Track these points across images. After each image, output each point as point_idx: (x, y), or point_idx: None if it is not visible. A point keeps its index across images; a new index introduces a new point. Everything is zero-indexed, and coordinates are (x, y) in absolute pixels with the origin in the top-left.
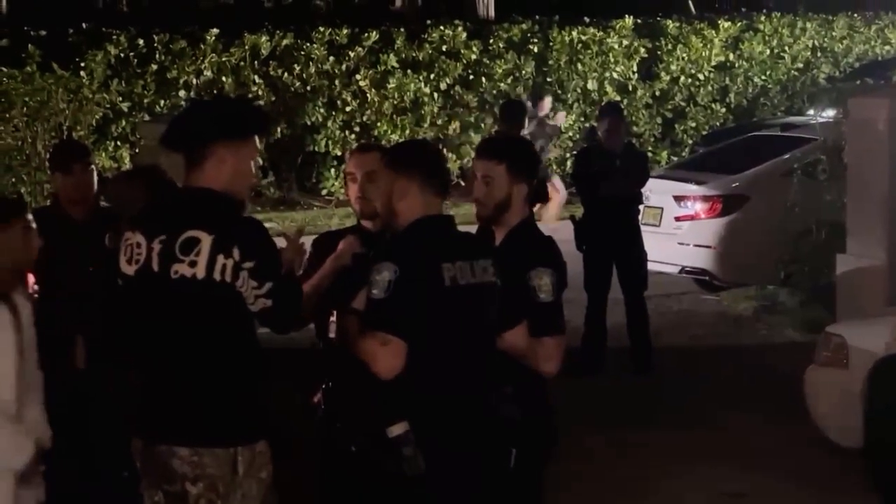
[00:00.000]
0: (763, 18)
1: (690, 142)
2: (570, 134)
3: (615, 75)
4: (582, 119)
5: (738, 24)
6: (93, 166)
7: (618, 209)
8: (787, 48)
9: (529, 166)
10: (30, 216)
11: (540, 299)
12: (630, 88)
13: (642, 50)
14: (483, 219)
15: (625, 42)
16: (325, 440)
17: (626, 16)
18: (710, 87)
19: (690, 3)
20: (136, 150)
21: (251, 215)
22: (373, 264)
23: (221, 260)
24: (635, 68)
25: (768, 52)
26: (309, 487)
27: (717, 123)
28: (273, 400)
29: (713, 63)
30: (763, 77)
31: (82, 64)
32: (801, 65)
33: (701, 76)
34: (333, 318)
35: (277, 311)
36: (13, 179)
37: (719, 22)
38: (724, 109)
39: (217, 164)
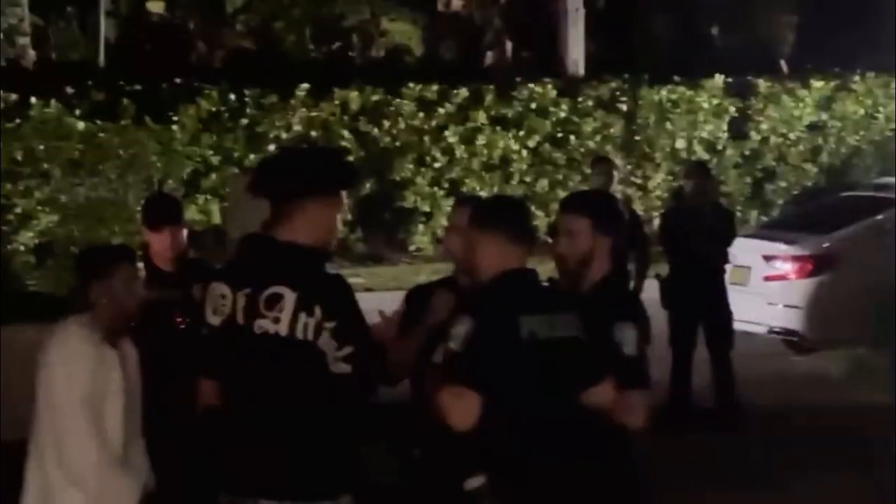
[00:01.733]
0: (857, 78)
1: (780, 202)
2: (658, 193)
3: (704, 134)
4: (670, 178)
5: (831, 83)
6: (183, 223)
7: (703, 267)
8: (881, 108)
9: (613, 220)
10: (138, 265)
11: (624, 353)
12: (719, 147)
13: (732, 109)
14: (566, 273)
15: (714, 101)
16: (420, 495)
17: (717, 74)
18: (801, 147)
19: (783, 61)
20: (226, 204)
21: (338, 272)
22: (453, 318)
23: (304, 318)
24: (725, 127)
25: (862, 111)
26: None
27: (809, 184)
28: (373, 453)
29: (805, 123)
30: (856, 137)
31: (175, 118)
32: (894, 125)
33: (792, 136)
34: None
35: (356, 378)
36: (105, 232)
37: (811, 81)
38: (815, 170)
39: (306, 218)
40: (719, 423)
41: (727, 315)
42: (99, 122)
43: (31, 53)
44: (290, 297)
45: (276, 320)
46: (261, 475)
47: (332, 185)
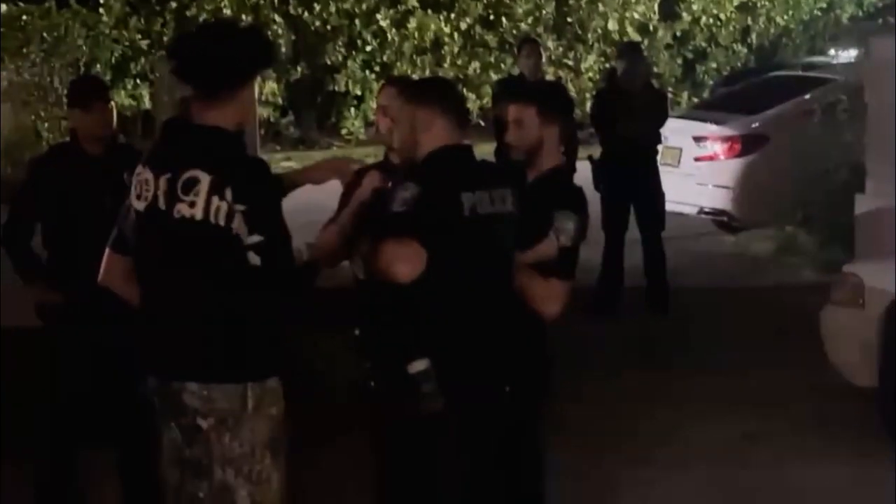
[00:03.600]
0: None
1: (711, 83)
2: (591, 75)
3: (636, 15)
4: (602, 59)
5: None
6: (111, 103)
7: (636, 150)
8: None
9: (562, 108)
10: None
11: (559, 242)
12: (651, 29)
13: None
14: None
15: None
16: (356, 380)
17: None
18: (731, 28)
19: None
20: (155, 88)
21: (268, 156)
22: (396, 186)
23: (216, 201)
24: (656, 8)
25: None
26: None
27: (739, 64)
28: (317, 340)
29: (735, 3)
30: (785, 17)
31: (101, 0)
32: (823, 4)
33: (723, 16)
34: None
35: (265, 271)
36: (31, 115)
37: None
38: (745, 50)
39: (231, 103)
40: (650, 303)
41: (659, 196)
42: (21, 4)
43: None
44: (205, 180)
45: (192, 204)
46: (185, 358)
47: (257, 68)
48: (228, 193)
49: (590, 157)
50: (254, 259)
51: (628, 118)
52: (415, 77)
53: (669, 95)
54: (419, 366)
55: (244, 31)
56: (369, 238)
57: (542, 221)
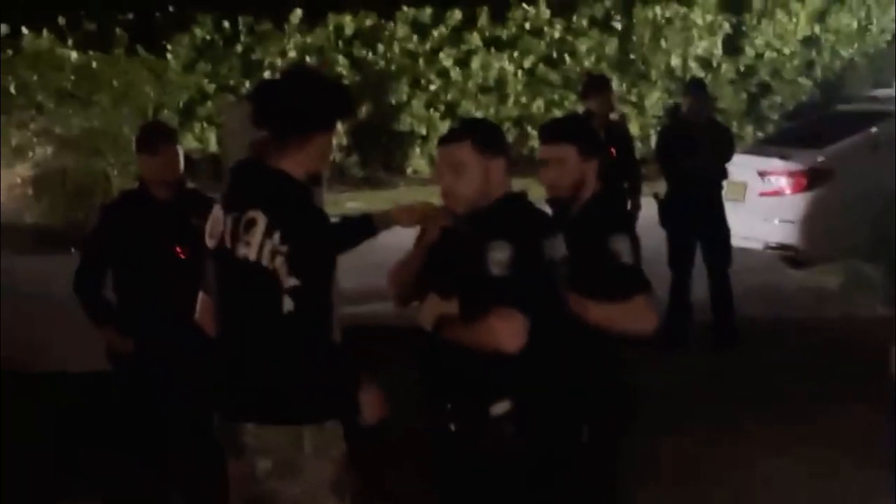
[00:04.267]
0: None
1: (776, 117)
2: (654, 111)
3: (699, 51)
4: (666, 96)
5: None
6: (179, 147)
7: (701, 186)
8: (874, 19)
9: (596, 141)
10: None
11: (623, 262)
12: (714, 64)
13: (726, 25)
14: (557, 200)
15: (708, 17)
16: (429, 422)
17: None
18: (795, 62)
19: None
20: (221, 132)
21: (334, 195)
22: (483, 243)
23: (268, 243)
24: (719, 44)
25: (855, 24)
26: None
27: (804, 98)
28: (380, 381)
29: (799, 37)
30: (850, 50)
31: (168, 46)
32: (888, 37)
33: (787, 50)
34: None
35: (299, 319)
36: (101, 163)
37: None
38: (810, 84)
39: (305, 149)
40: (716, 340)
41: (725, 232)
42: (91, 52)
43: None
44: (261, 221)
45: (248, 244)
46: (244, 397)
47: (334, 117)
48: (277, 235)
49: (655, 195)
50: (288, 304)
51: (693, 154)
52: (477, 118)
53: (734, 130)
54: (502, 407)
55: (326, 81)
56: (462, 304)
57: (598, 247)
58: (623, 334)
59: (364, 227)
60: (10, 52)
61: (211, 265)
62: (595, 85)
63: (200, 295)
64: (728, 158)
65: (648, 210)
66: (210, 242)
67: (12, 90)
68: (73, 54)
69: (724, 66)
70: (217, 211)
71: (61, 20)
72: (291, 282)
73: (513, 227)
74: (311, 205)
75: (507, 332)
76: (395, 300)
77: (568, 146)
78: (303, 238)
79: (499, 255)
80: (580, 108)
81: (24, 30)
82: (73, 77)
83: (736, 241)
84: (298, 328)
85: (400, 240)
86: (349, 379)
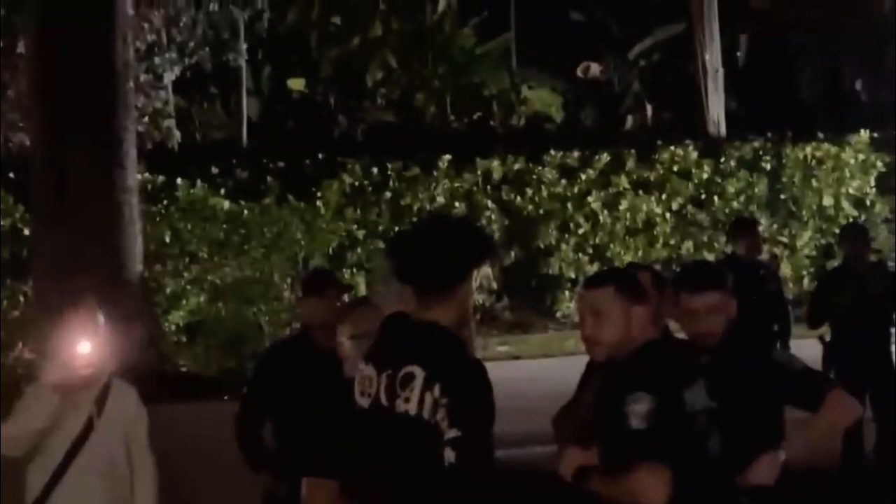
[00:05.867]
0: None
1: None
2: (807, 251)
3: (851, 190)
4: (818, 236)
5: None
6: (345, 294)
7: (867, 332)
8: None
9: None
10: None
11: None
12: (868, 203)
13: (879, 163)
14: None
15: (861, 156)
16: None
17: (862, 129)
18: None
19: None
20: (371, 277)
21: (483, 339)
22: (624, 393)
23: (429, 397)
24: (873, 182)
25: None
26: None
27: None
28: None
29: None
30: None
31: (318, 194)
32: None
33: None
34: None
35: (460, 470)
36: (252, 310)
37: None
38: None
39: (450, 300)
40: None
41: (893, 380)
42: (243, 201)
43: (177, 135)
44: (420, 376)
45: (408, 399)
46: None
47: (474, 264)
48: (437, 388)
49: (821, 338)
50: (449, 455)
51: (857, 299)
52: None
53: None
54: None
55: (460, 228)
56: (603, 455)
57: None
58: None
59: None
60: (165, 201)
61: (360, 424)
62: (741, 227)
63: (310, 482)
64: (893, 307)
65: (812, 352)
66: (362, 401)
67: (167, 239)
68: (226, 203)
69: (877, 205)
70: (367, 368)
71: (214, 170)
72: (453, 433)
73: (653, 376)
74: (466, 355)
75: (653, 487)
76: (558, 443)
77: (717, 293)
78: (464, 389)
79: (639, 408)
80: (728, 250)
81: (179, 180)
82: (225, 226)
83: None
84: (461, 480)
85: (549, 385)
86: None
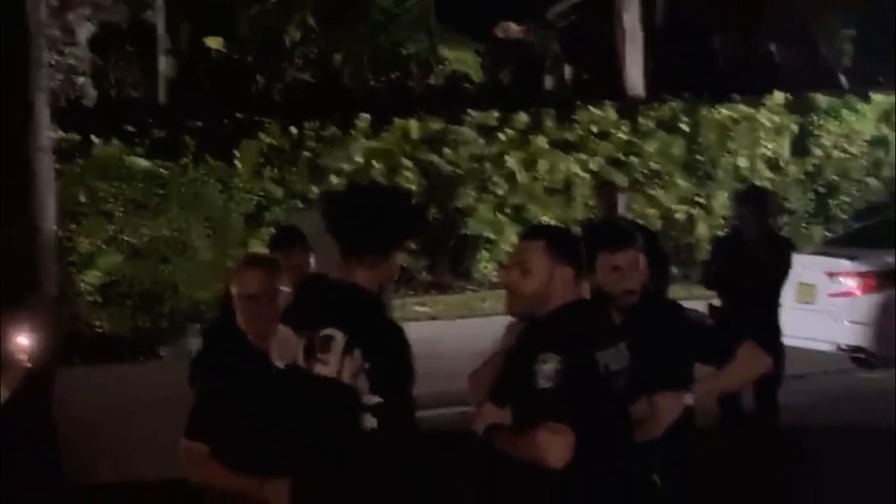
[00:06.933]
0: None
1: (844, 217)
2: (723, 212)
3: (766, 152)
4: (741, 190)
5: (892, 96)
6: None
7: (753, 302)
8: None
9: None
10: None
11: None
12: (781, 164)
13: (793, 125)
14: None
15: (775, 118)
16: None
17: (776, 91)
18: (863, 162)
19: (842, 76)
20: None
21: (401, 300)
22: (533, 353)
23: (349, 361)
24: (787, 144)
25: None
26: None
27: (872, 198)
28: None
29: (866, 137)
30: None
31: (236, 153)
32: None
33: (854, 150)
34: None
35: (382, 436)
36: (169, 270)
37: (871, 95)
38: (878, 184)
39: (378, 265)
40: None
41: (779, 356)
42: (160, 160)
43: (92, 93)
44: (340, 338)
45: (327, 363)
46: None
47: (409, 236)
48: (358, 352)
49: (710, 305)
50: (370, 421)
51: (747, 269)
52: (546, 223)
53: (803, 230)
54: None
55: (399, 198)
56: (511, 414)
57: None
58: None
59: None
60: (79, 160)
61: (277, 385)
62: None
63: (187, 443)
64: (785, 276)
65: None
66: (279, 363)
67: (81, 198)
68: (142, 162)
69: (791, 167)
70: (283, 330)
71: (130, 128)
72: (374, 399)
73: (564, 337)
74: (388, 319)
75: (555, 446)
76: (473, 402)
77: (636, 250)
78: (385, 355)
79: (547, 367)
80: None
81: (94, 138)
82: (141, 185)
83: (807, 343)
84: (381, 445)
85: (467, 346)
86: (432, 491)
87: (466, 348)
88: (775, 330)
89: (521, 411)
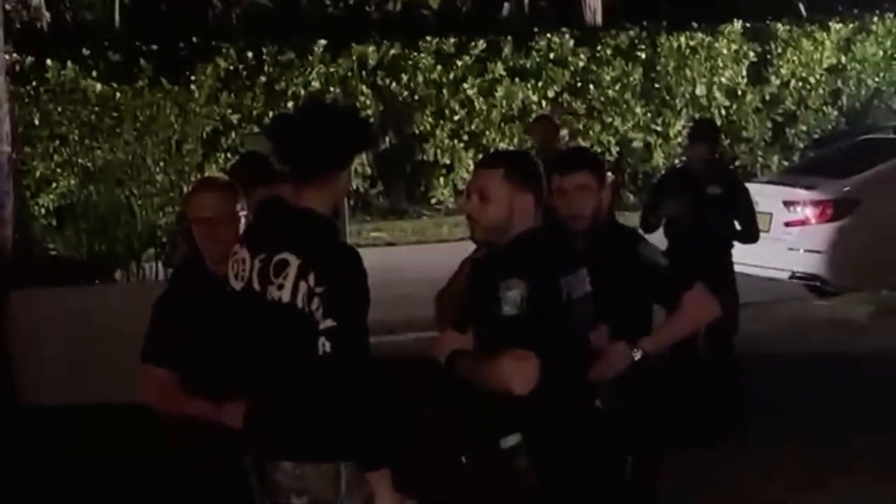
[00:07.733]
0: (875, 20)
1: (802, 146)
2: (679, 140)
3: (724, 80)
4: (690, 124)
5: (850, 25)
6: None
7: (702, 245)
8: None
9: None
10: None
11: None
12: (739, 93)
13: (751, 54)
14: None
15: (734, 46)
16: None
17: (735, 20)
18: (821, 91)
19: (801, 5)
20: None
21: (358, 225)
22: (497, 280)
23: (303, 285)
24: (744, 72)
25: (881, 53)
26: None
27: (830, 127)
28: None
29: (824, 66)
30: (876, 79)
31: (192, 78)
32: None
33: (812, 79)
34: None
35: (334, 360)
36: (125, 193)
37: (830, 24)
38: (836, 113)
39: (327, 187)
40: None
41: (733, 299)
42: (115, 84)
43: (46, 15)
44: (294, 263)
45: (281, 287)
46: (278, 437)
47: (356, 153)
48: (312, 276)
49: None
50: (324, 345)
51: (694, 206)
52: (505, 149)
53: (759, 159)
54: (511, 441)
55: (343, 114)
56: (474, 341)
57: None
58: None
59: None
60: (34, 83)
61: (232, 306)
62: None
63: (149, 369)
64: (735, 218)
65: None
66: (235, 284)
67: (36, 122)
68: (98, 86)
69: (749, 95)
70: (242, 252)
71: (86, 52)
72: (328, 323)
73: (528, 264)
74: (342, 244)
75: (519, 373)
76: (438, 324)
77: (586, 174)
78: (339, 279)
79: (511, 294)
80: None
81: (49, 61)
82: (96, 108)
83: (762, 272)
84: (335, 369)
85: (424, 272)
86: (386, 418)
87: (422, 274)
88: (728, 272)
89: (484, 338)
